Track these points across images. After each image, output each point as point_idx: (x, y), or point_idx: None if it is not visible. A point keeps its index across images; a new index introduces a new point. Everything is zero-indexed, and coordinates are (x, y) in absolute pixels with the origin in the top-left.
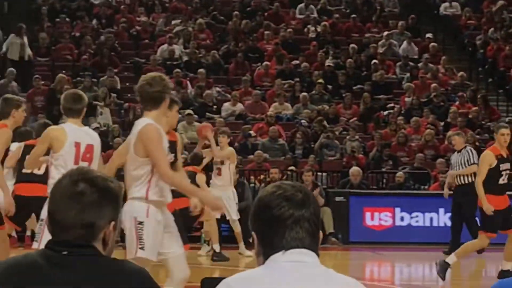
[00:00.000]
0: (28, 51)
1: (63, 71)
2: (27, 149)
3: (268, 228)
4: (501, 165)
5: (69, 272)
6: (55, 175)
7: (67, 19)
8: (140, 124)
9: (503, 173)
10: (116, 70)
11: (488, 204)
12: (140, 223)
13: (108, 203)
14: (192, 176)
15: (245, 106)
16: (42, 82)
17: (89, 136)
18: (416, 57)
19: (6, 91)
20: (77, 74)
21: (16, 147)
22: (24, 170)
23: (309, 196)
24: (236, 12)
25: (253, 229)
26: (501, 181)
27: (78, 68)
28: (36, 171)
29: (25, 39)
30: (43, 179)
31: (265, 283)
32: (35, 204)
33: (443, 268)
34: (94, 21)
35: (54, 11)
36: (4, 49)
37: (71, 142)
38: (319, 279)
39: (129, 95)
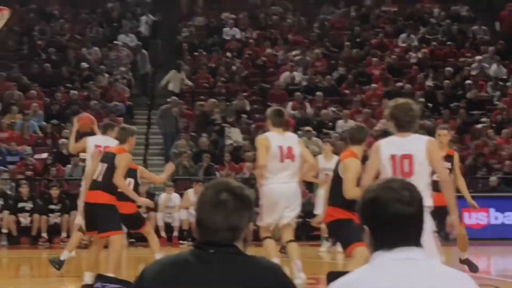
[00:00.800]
0: (188, 82)
1: (201, 97)
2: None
3: (378, 225)
4: None
5: (216, 268)
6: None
7: (204, 52)
8: (420, 138)
9: None
10: (245, 95)
11: None
12: (434, 231)
13: (247, 208)
14: None
15: (356, 123)
16: (185, 107)
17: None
18: (505, 77)
19: (169, 115)
20: (213, 98)
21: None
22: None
23: (415, 192)
24: (347, 43)
25: (364, 223)
26: (435, 177)
27: (214, 94)
28: (98, 179)
29: (183, 74)
30: (104, 186)
31: (369, 284)
32: (98, 209)
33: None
34: (228, 54)
35: (193, 46)
36: (164, 82)
37: (275, 146)
38: (432, 274)
39: (256, 115)
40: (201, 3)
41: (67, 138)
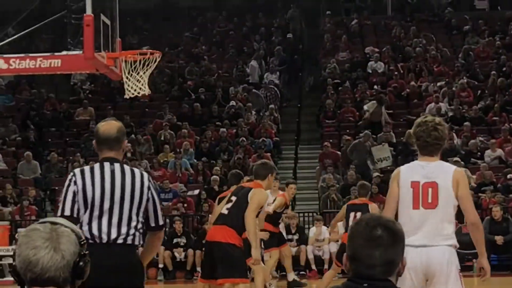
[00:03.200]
0: (386, 116)
1: (347, 130)
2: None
3: None
4: None
5: None
6: None
7: (349, 87)
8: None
9: None
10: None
11: None
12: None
13: (400, 242)
14: None
15: (505, 152)
16: (329, 142)
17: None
18: None
19: (362, 147)
20: (358, 132)
21: None
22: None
23: None
24: (493, 72)
25: None
26: None
27: (359, 127)
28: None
29: (383, 108)
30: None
31: None
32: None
33: None
34: (375, 87)
35: (337, 81)
36: (366, 115)
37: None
38: None
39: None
40: (344, 38)
41: (217, 174)
